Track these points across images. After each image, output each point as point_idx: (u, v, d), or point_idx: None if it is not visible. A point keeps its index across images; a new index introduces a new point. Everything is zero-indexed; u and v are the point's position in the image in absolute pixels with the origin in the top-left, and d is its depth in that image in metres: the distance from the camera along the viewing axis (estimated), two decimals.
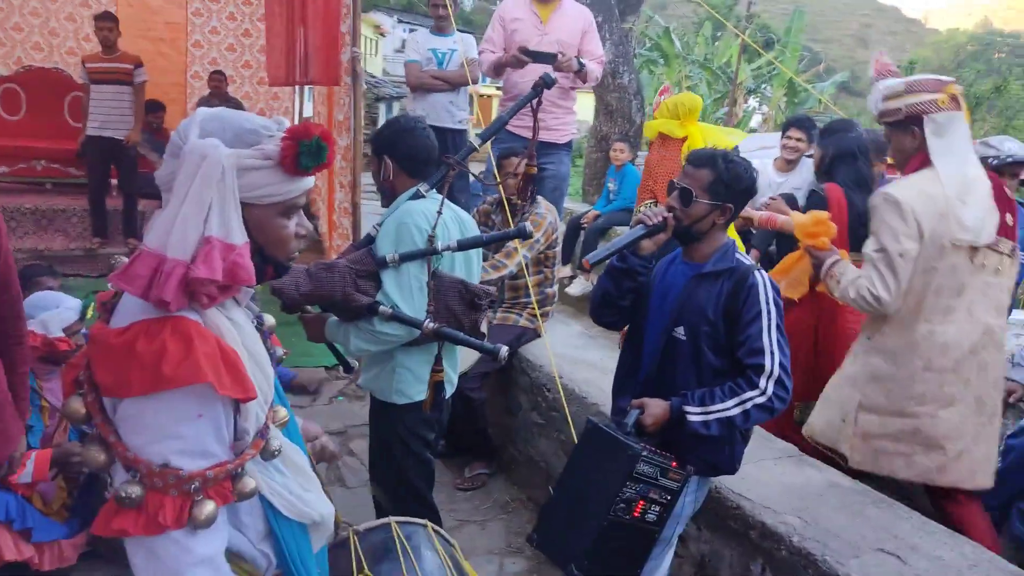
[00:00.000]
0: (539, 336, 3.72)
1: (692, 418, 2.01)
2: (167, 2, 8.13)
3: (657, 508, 1.98)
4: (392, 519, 2.00)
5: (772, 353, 2.02)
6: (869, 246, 2.56)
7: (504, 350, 2.16)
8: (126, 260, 1.34)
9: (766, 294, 2.07)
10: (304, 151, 1.21)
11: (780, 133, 4.95)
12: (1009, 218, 2.62)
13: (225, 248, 1.15)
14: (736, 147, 3.35)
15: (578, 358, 3.59)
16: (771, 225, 3.42)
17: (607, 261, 2.24)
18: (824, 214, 2.76)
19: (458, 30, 5.51)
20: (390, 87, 23.19)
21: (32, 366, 2.57)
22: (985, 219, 2.51)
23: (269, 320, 1.51)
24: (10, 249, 2.07)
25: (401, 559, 1.88)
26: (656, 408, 2.05)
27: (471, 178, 4.75)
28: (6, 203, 6.39)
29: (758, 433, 2.65)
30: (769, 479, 2.50)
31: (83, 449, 1.17)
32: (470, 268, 2.55)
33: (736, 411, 2.00)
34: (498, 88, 6.22)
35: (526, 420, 3.65)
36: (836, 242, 2.77)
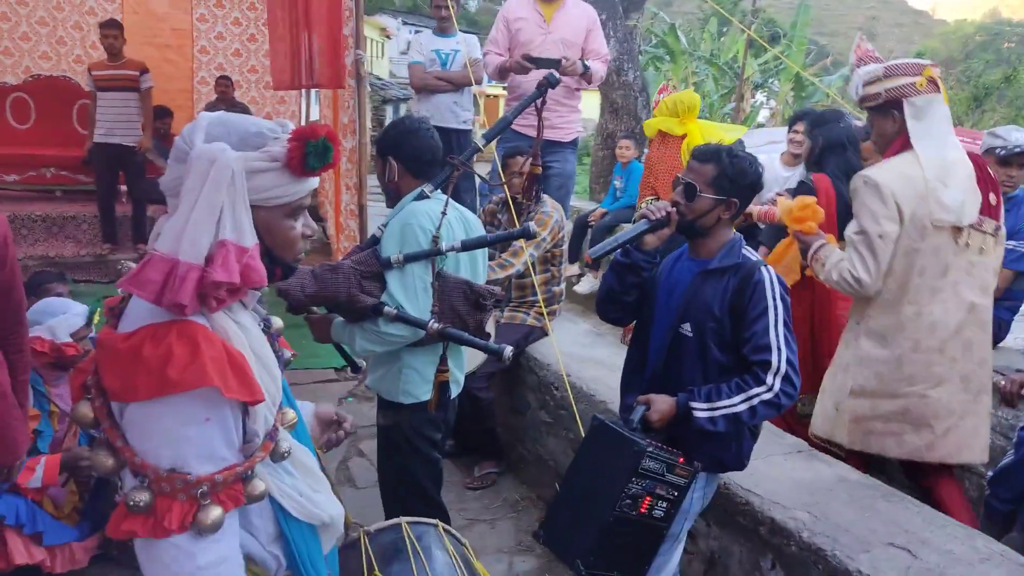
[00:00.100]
0: (547, 335, 3.72)
1: (698, 414, 2.00)
2: (173, 8, 8.17)
3: (664, 504, 1.98)
4: (403, 519, 2.00)
5: (779, 349, 2.01)
6: (850, 229, 2.60)
7: (508, 350, 2.16)
8: (134, 265, 1.34)
9: (772, 290, 2.06)
10: (311, 152, 1.21)
11: (787, 127, 4.94)
12: (992, 198, 2.63)
13: (239, 251, 1.16)
14: (741, 141, 3.35)
15: (586, 356, 3.58)
16: (770, 219, 3.41)
17: (611, 257, 2.24)
18: (811, 199, 2.78)
19: (463, 31, 5.52)
20: (396, 89, 23.22)
21: (41, 372, 2.59)
22: (966, 199, 2.54)
23: (277, 323, 1.51)
24: (16, 256, 2.08)
25: (412, 560, 1.88)
26: (662, 404, 2.04)
27: (477, 179, 4.77)
28: (16, 211, 6.45)
29: (767, 428, 2.63)
30: (778, 474, 2.48)
31: (91, 453, 1.18)
32: (475, 268, 2.55)
33: (743, 407, 1.99)
34: (504, 88, 6.22)
35: (534, 419, 3.65)
36: (824, 230, 2.79)
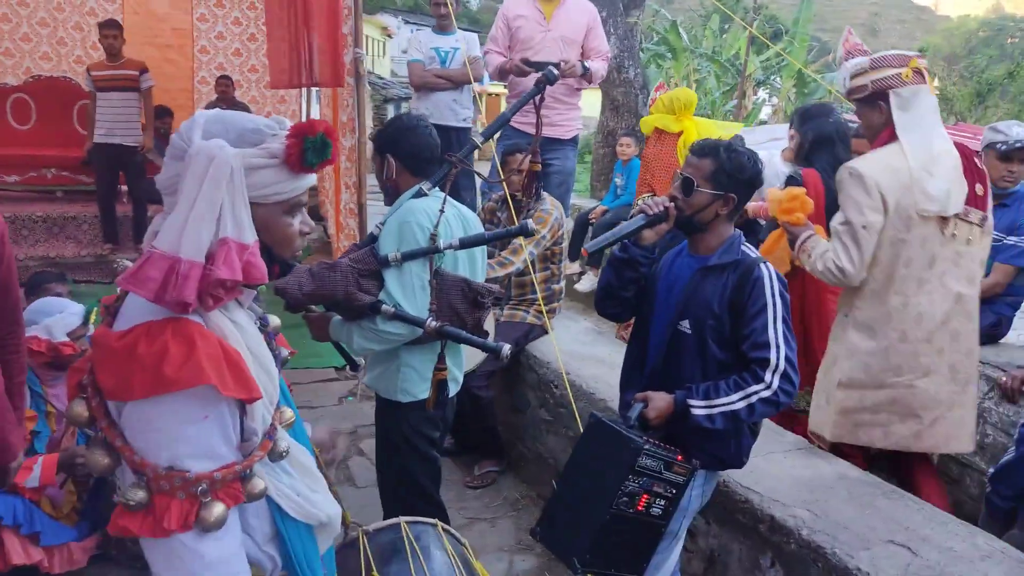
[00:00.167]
0: (547, 333, 3.71)
1: (696, 412, 1.99)
2: (173, 8, 8.17)
3: (662, 502, 1.97)
4: (402, 519, 2.00)
5: (778, 347, 2.00)
6: (836, 219, 2.62)
7: (506, 348, 2.15)
8: (130, 263, 1.34)
9: (772, 287, 2.04)
10: (309, 148, 1.22)
11: (789, 124, 4.92)
12: (979, 188, 2.64)
13: (240, 248, 1.16)
14: (740, 137, 3.34)
15: (586, 354, 3.58)
16: (764, 215, 3.40)
17: (610, 252, 2.23)
18: (800, 190, 2.79)
19: (465, 29, 5.52)
20: (398, 88, 23.21)
21: (37, 372, 2.59)
22: (952, 190, 2.54)
23: (274, 321, 1.51)
24: (12, 255, 2.07)
25: (410, 560, 1.88)
26: (660, 402, 2.03)
27: (477, 177, 4.76)
28: (17, 211, 6.45)
29: (767, 426, 2.63)
30: (778, 472, 2.48)
31: (86, 452, 1.18)
32: (474, 266, 2.55)
33: (741, 405, 1.98)
34: (505, 87, 6.21)
35: (534, 417, 3.64)
36: (814, 224, 2.80)
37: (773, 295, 2.04)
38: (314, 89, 7.15)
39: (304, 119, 8.10)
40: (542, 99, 2.68)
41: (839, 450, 2.72)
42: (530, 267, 3.60)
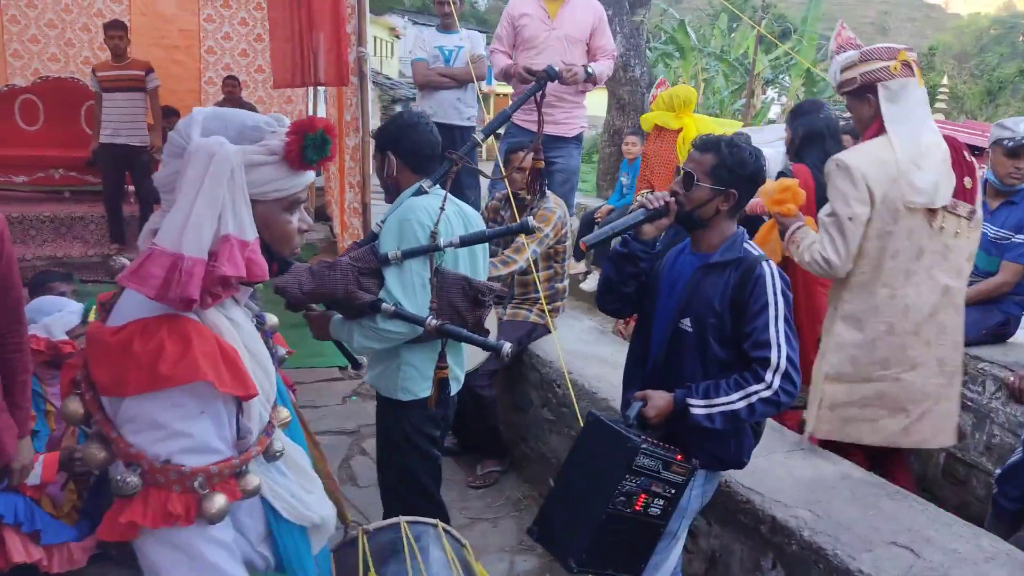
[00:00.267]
0: (550, 332, 3.70)
1: (695, 411, 1.97)
2: (180, 9, 8.21)
3: (661, 502, 1.95)
4: (402, 519, 1.99)
5: (779, 346, 1.97)
6: (823, 211, 2.63)
7: (507, 347, 2.13)
8: (127, 261, 1.35)
9: (774, 285, 2.02)
10: (309, 145, 1.22)
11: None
12: (968, 181, 2.64)
13: (241, 245, 1.16)
14: (742, 134, 3.34)
15: (588, 353, 3.56)
16: (762, 211, 3.38)
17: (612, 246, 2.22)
18: (791, 181, 2.80)
19: (475, 30, 5.51)
20: (406, 89, 23.22)
21: (36, 370, 2.59)
22: (939, 182, 2.55)
23: (271, 319, 1.51)
24: (12, 253, 2.07)
25: (408, 560, 1.87)
26: (659, 400, 2.01)
27: (481, 177, 4.74)
28: (25, 212, 6.49)
29: (769, 425, 2.60)
30: (780, 472, 2.45)
31: (83, 447, 1.18)
32: (475, 264, 2.53)
33: (741, 405, 1.95)
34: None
35: (537, 417, 3.63)
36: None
37: (775, 293, 2.01)
38: (320, 89, 7.17)
39: None
40: (543, 96, 2.67)
41: (843, 450, 2.69)
42: (532, 266, 3.58)
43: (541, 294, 3.62)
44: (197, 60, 8.34)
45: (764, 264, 2.05)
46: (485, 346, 2.24)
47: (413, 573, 1.83)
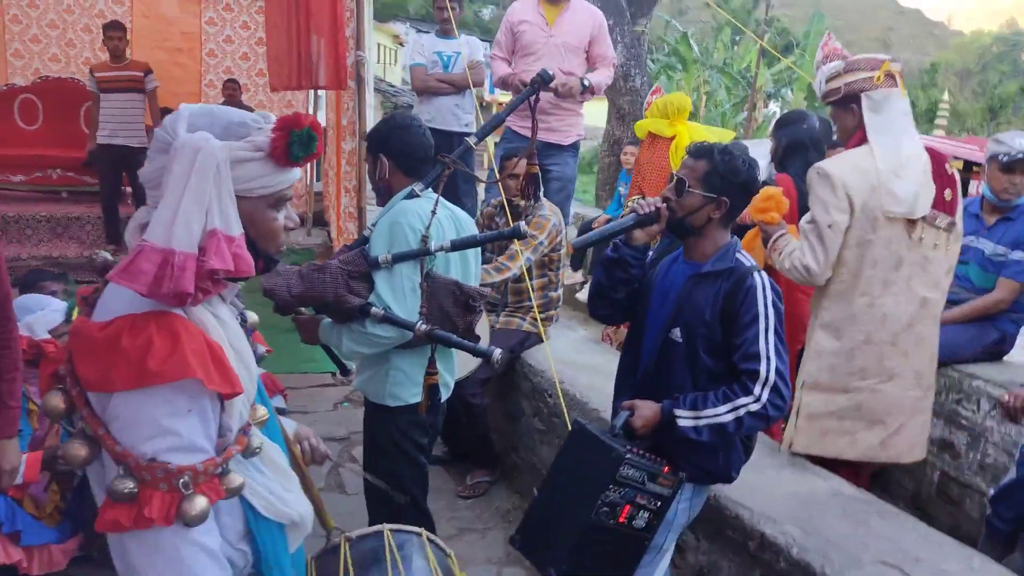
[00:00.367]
0: (543, 340, 3.67)
1: (682, 423, 1.94)
2: (182, 12, 8.23)
3: (646, 514, 1.91)
4: (386, 526, 1.96)
5: (768, 359, 1.94)
6: (804, 219, 2.65)
7: (497, 353, 2.10)
8: (108, 256, 1.33)
9: (764, 297, 1.99)
10: (295, 141, 1.23)
11: None
12: (948, 193, 2.65)
13: (228, 240, 1.16)
14: (743, 145, 3.34)
15: (581, 363, 3.53)
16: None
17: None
18: (775, 189, 2.82)
19: (478, 38, 5.50)
20: (408, 96, 23.30)
21: None
22: (919, 193, 2.57)
23: (252, 317, 1.51)
24: (1, 251, 2.04)
25: (389, 568, 1.84)
26: (646, 410, 1.98)
27: (479, 185, 4.73)
28: (22, 211, 6.50)
29: (759, 439, 2.58)
30: (771, 487, 2.42)
31: (64, 445, 1.17)
32: (467, 269, 2.51)
33: (729, 417, 1.92)
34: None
35: (528, 426, 3.60)
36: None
37: (766, 305, 1.98)
38: (321, 92, 7.18)
39: None
40: (537, 99, 2.65)
41: (833, 467, 2.66)
42: (526, 273, 3.56)
43: (534, 302, 3.59)
44: (198, 63, 8.36)
45: (756, 275, 2.02)
46: (475, 352, 2.21)
47: None
